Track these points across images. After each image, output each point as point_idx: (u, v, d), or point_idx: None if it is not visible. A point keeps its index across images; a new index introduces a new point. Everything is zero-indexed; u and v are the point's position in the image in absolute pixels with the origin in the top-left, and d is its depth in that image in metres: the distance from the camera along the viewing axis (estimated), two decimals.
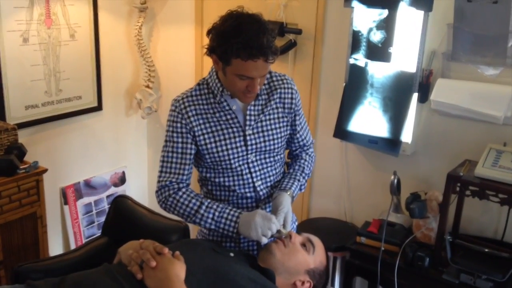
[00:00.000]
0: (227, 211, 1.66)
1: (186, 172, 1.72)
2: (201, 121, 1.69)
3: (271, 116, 1.76)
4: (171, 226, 2.05)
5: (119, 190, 3.45)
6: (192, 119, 1.68)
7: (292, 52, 2.83)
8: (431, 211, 2.29)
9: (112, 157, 3.44)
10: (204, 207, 1.66)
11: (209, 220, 1.66)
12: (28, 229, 2.55)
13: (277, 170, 1.83)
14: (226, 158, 1.70)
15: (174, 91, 3.42)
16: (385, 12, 2.37)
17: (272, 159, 1.78)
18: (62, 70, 2.92)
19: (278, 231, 1.61)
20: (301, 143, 1.91)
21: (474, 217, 2.39)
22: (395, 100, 2.44)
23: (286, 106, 1.78)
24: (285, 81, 1.79)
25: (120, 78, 3.36)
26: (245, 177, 1.74)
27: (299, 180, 1.81)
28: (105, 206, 3.38)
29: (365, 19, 2.44)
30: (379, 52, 2.43)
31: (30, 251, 2.59)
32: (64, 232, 3.19)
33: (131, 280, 1.31)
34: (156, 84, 3.44)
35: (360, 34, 2.47)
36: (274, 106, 1.76)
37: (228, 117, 1.70)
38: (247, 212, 1.67)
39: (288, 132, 1.83)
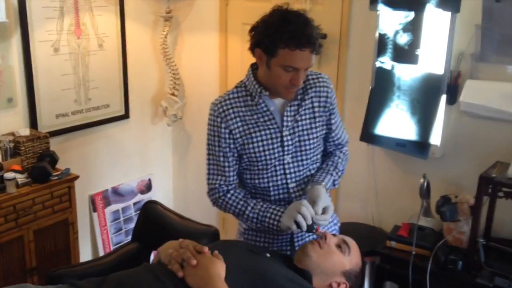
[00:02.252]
0: (270, 210, 1.71)
1: (232, 174, 1.77)
2: (239, 124, 1.71)
3: (307, 116, 1.75)
4: (200, 231, 2.06)
5: (145, 197, 3.48)
6: (230, 122, 1.71)
7: (316, 56, 2.84)
8: (462, 214, 2.26)
9: (139, 165, 3.48)
10: (249, 208, 1.73)
11: (255, 220, 1.73)
12: (60, 235, 2.60)
13: (312, 173, 1.82)
14: (263, 159, 1.72)
15: (198, 98, 3.48)
16: (411, 15, 2.36)
17: (309, 160, 1.78)
18: (91, 79, 2.97)
19: (314, 224, 1.60)
20: (336, 142, 1.89)
21: (506, 219, 2.35)
22: (423, 103, 2.42)
23: (321, 105, 1.77)
24: (320, 79, 1.78)
25: (146, 86, 3.40)
26: (279, 177, 1.75)
27: (331, 174, 1.80)
28: (132, 213, 3.42)
29: (391, 22, 2.43)
30: (406, 55, 2.42)
31: (61, 257, 2.63)
32: (92, 239, 3.23)
33: (172, 278, 1.32)
34: (181, 92, 3.48)
35: (386, 37, 2.46)
36: (309, 105, 1.75)
37: (266, 118, 1.71)
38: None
39: (324, 132, 1.82)
